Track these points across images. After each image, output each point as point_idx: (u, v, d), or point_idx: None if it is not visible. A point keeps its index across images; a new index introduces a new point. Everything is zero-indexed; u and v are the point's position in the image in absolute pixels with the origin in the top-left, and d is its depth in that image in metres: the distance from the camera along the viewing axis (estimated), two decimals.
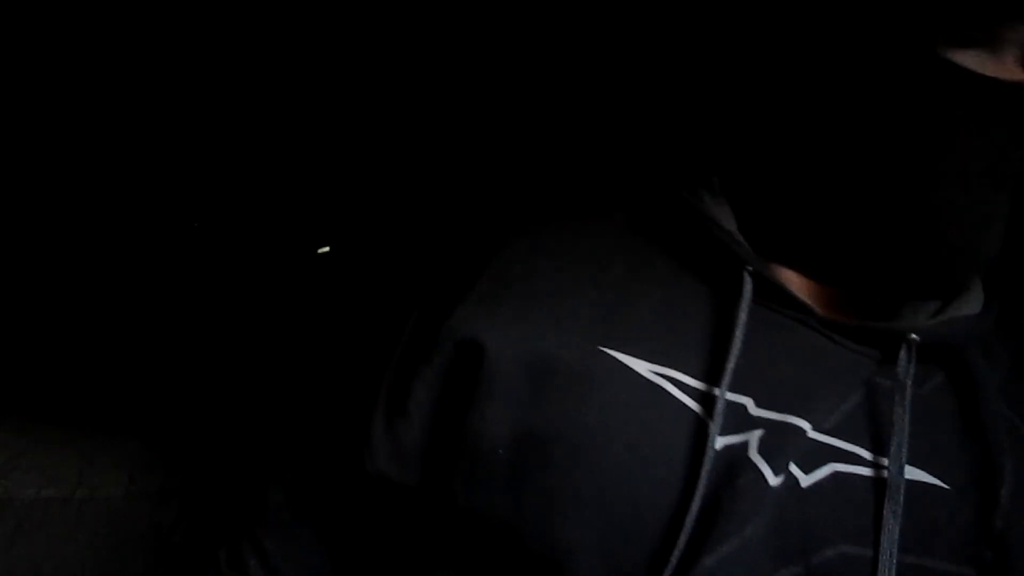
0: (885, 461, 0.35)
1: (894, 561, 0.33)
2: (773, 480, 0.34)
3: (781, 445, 0.34)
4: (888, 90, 0.36)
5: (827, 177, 0.37)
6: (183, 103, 1.08)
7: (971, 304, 0.40)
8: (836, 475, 0.35)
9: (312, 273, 1.28)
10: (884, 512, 0.34)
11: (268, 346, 1.22)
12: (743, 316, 0.35)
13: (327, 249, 1.26)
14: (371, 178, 1.23)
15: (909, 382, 0.35)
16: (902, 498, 0.34)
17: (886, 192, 0.36)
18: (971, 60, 0.35)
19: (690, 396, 0.35)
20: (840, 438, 0.35)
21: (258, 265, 1.29)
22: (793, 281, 0.37)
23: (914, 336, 0.36)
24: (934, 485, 0.35)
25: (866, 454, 0.35)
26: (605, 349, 0.36)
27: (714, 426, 0.34)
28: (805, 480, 0.35)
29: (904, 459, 0.34)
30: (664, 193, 0.40)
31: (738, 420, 0.35)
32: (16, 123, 1.07)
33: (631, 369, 0.36)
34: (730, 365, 0.35)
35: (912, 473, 0.35)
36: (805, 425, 0.35)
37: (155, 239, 1.28)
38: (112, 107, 1.08)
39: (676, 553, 0.32)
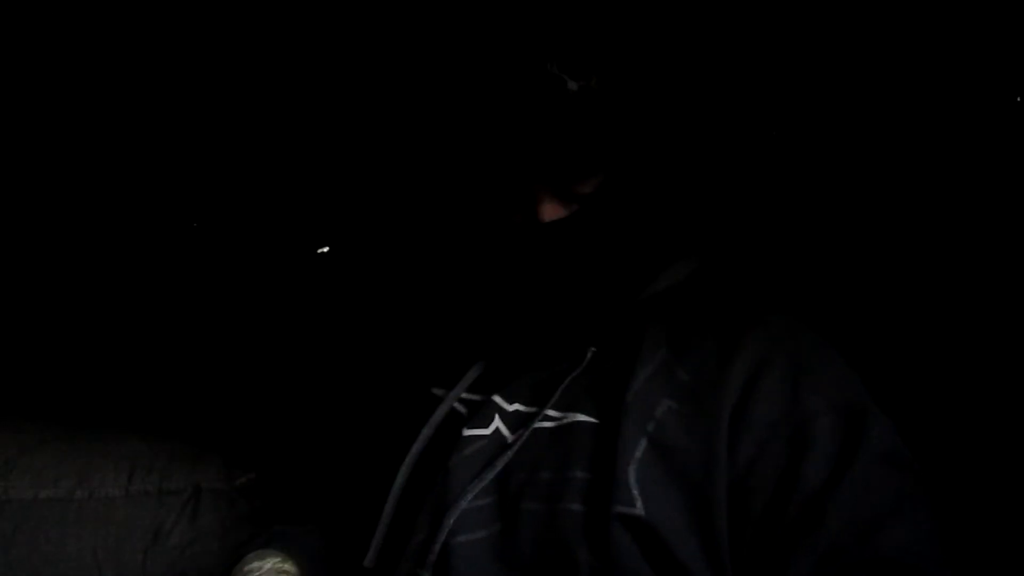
0: (566, 414, 0.54)
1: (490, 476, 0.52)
2: (467, 432, 0.55)
3: (483, 412, 0.56)
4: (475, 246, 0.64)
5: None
6: (183, 103, 1.08)
7: (669, 278, 0.62)
8: (535, 431, 0.53)
9: (312, 273, 1.28)
10: (550, 448, 0.53)
11: (268, 346, 1.22)
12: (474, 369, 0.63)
13: (327, 249, 1.26)
14: (371, 178, 1.23)
15: (571, 376, 0.56)
16: (529, 436, 0.54)
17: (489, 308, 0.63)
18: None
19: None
20: (533, 406, 0.56)
21: (258, 265, 1.28)
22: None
23: (592, 349, 0.58)
24: (591, 422, 0.52)
25: (554, 413, 0.54)
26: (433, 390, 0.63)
27: (443, 406, 0.59)
28: (510, 438, 0.54)
29: (547, 412, 0.54)
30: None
31: (476, 409, 0.58)
32: (16, 123, 1.07)
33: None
34: (466, 382, 0.61)
35: (582, 418, 0.53)
36: (499, 400, 0.57)
37: (155, 239, 1.28)
38: (112, 107, 1.08)
39: (404, 471, 0.56)
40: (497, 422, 0.55)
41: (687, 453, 0.49)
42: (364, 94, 0.94)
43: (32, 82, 1.00)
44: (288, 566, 0.58)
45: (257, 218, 1.28)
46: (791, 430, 0.50)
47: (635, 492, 0.48)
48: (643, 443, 0.49)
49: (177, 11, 0.91)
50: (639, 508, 0.47)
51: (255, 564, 0.58)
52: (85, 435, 0.92)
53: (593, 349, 0.57)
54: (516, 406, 0.56)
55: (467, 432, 0.55)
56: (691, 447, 0.49)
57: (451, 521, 0.49)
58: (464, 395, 0.60)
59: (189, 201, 1.28)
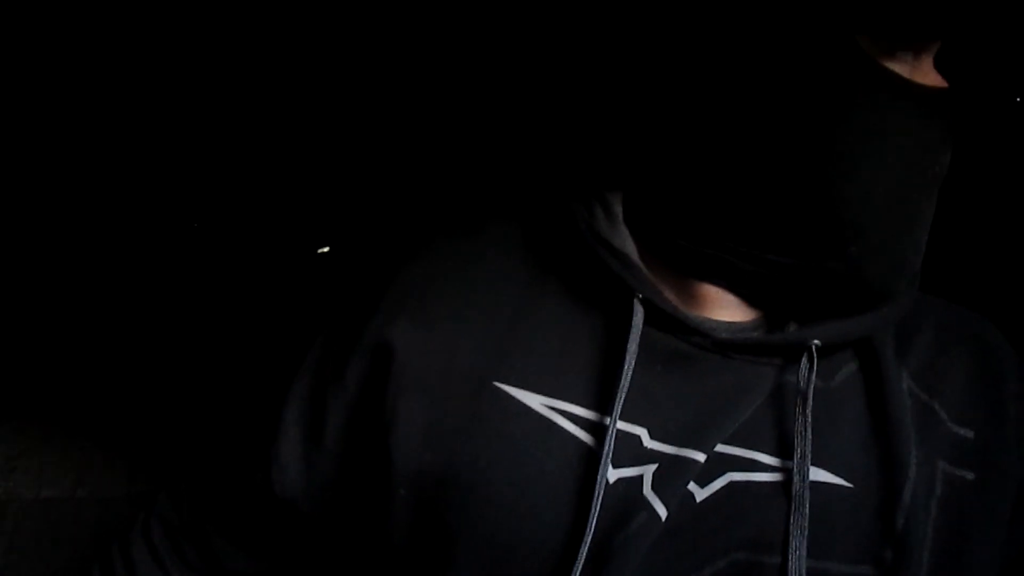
0: (787, 463, 0.34)
1: (803, 571, 0.32)
2: (664, 513, 0.33)
3: (674, 478, 0.33)
4: (819, 96, 0.35)
5: (748, 188, 0.35)
6: (183, 104, 1.08)
7: None
8: (731, 484, 0.34)
9: (312, 273, 1.28)
10: (790, 522, 0.33)
11: (268, 346, 1.22)
12: (632, 346, 0.34)
13: (327, 249, 1.26)
14: (371, 178, 1.23)
15: (811, 389, 0.35)
16: (807, 508, 0.34)
17: (812, 202, 0.34)
18: (900, 67, 0.34)
19: (582, 428, 0.34)
20: (739, 446, 0.35)
21: (258, 265, 1.29)
22: (709, 296, 0.36)
23: (816, 342, 0.36)
24: (836, 484, 0.35)
25: (767, 459, 0.35)
26: (498, 384, 0.35)
27: (605, 457, 0.33)
28: (701, 494, 0.34)
29: (807, 470, 0.34)
30: (559, 213, 0.38)
31: (633, 452, 0.34)
32: (16, 124, 1.07)
33: (523, 403, 0.35)
34: (621, 396, 0.34)
35: (814, 474, 0.35)
36: (699, 456, 0.34)
37: (155, 239, 1.28)
38: (112, 108, 1.08)
39: None
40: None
41: (978, 534, 0.38)
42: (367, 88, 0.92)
43: (33, 86, 1.00)
44: None
45: (257, 218, 1.28)
46: None
47: None
48: (929, 526, 0.37)
49: (179, 15, 0.91)
50: None
51: None
52: (85, 435, 0.92)
53: (818, 343, 0.37)
54: (719, 447, 0.36)
55: (661, 510, 0.34)
56: (981, 527, 0.38)
57: None
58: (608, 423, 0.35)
59: (189, 203, 1.28)
